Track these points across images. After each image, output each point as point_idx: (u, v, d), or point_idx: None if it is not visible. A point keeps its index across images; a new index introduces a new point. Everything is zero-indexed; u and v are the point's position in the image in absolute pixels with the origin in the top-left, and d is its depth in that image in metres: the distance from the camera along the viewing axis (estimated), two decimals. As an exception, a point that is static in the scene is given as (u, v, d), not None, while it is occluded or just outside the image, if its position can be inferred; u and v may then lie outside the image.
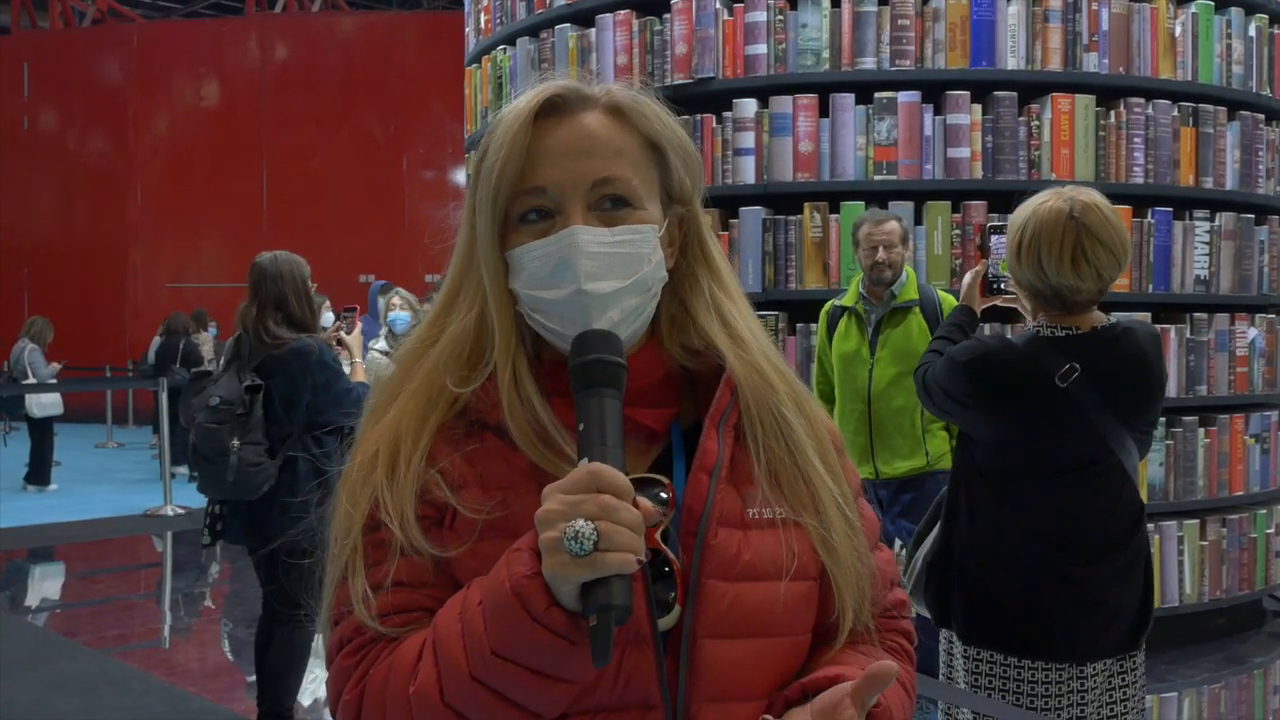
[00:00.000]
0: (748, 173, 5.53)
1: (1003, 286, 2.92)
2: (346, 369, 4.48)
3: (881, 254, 4.59)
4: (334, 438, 4.24)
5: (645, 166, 1.20)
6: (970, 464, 2.67)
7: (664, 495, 1.13)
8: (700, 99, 5.61)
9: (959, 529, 2.67)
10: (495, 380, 1.17)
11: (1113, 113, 5.56)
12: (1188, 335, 5.68)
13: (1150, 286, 5.62)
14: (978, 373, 2.59)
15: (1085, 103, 5.51)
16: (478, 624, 1.03)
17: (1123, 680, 2.63)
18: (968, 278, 3.07)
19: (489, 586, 1.04)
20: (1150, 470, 5.55)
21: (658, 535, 1.11)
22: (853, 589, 1.19)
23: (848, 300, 4.78)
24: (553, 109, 1.18)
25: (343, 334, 4.77)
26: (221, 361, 4.33)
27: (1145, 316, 5.55)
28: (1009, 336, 2.65)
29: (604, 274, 1.14)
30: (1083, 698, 2.58)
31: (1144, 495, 5.47)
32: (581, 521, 0.97)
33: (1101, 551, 2.57)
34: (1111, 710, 2.61)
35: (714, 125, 5.57)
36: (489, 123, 6.44)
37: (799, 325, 5.45)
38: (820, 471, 1.20)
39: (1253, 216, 5.96)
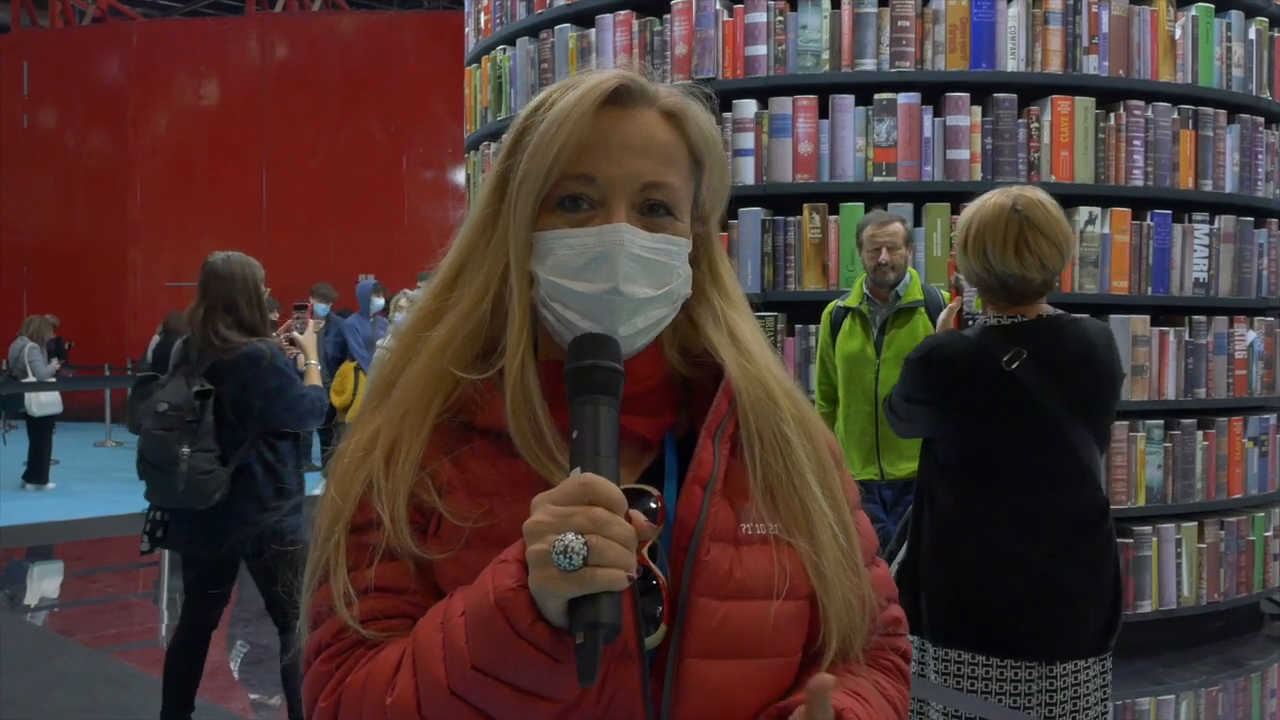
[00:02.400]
0: (747, 173, 5.53)
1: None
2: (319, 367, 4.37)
3: (885, 255, 4.59)
4: (289, 443, 4.15)
5: (688, 178, 1.17)
6: (932, 465, 2.71)
7: (654, 506, 1.09)
8: (700, 100, 5.59)
9: (925, 531, 2.69)
10: (492, 379, 1.13)
11: (1112, 115, 5.56)
12: (1186, 338, 5.68)
13: (1149, 289, 5.61)
14: (930, 364, 2.69)
15: (1085, 105, 5.51)
16: (459, 636, 1.00)
17: (1089, 687, 2.66)
18: (944, 314, 3.14)
19: (473, 598, 1.00)
20: (1148, 472, 5.55)
21: (644, 550, 1.07)
22: (841, 619, 1.15)
23: (851, 301, 4.77)
24: (615, 98, 1.14)
25: (295, 334, 4.58)
26: (171, 364, 4.18)
27: (1144, 318, 5.56)
28: (963, 331, 2.78)
29: (639, 278, 1.11)
30: (1050, 698, 2.59)
31: (1142, 497, 5.51)
32: (571, 535, 0.93)
33: (1067, 543, 2.62)
34: (1075, 715, 2.63)
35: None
36: (489, 122, 6.36)
37: (798, 326, 5.44)
38: (818, 497, 1.16)
39: (1252, 219, 5.96)
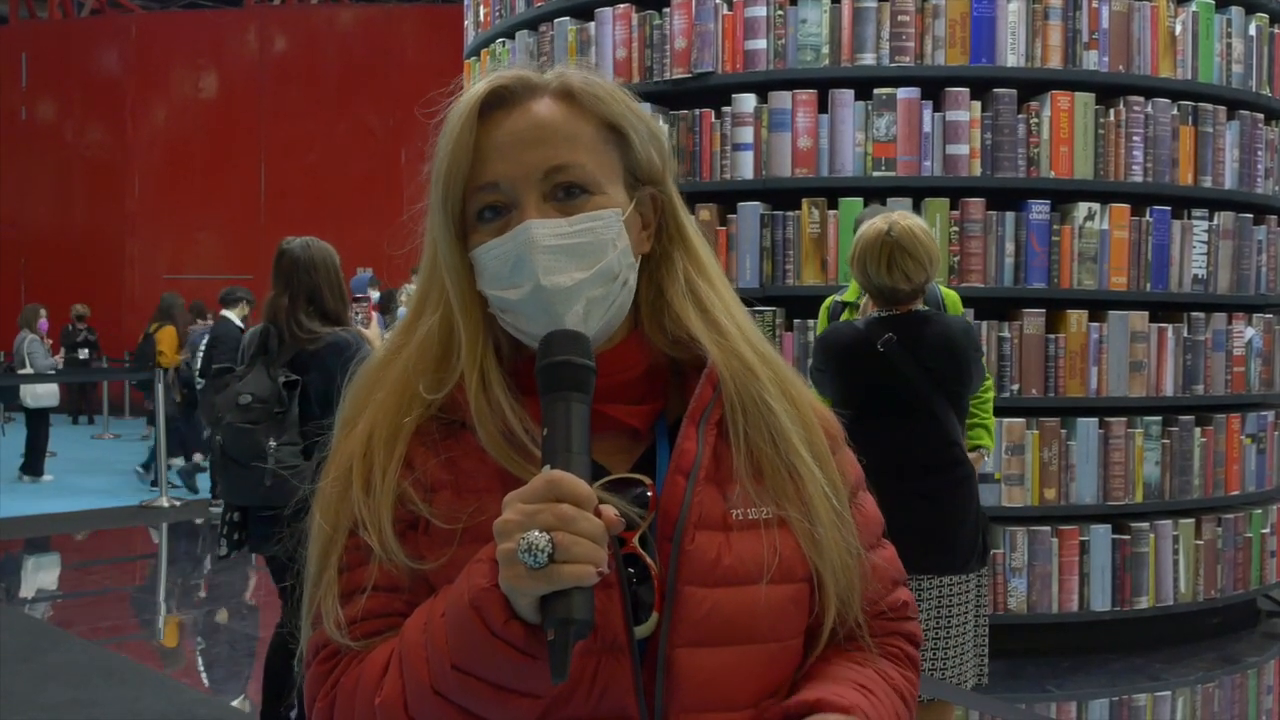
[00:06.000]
0: (746, 168, 5.52)
1: None
2: None
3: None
4: None
5: (603, 150, 1.15)
6: None
7: (648, 495, 1.10)
8: (699, 94, 5.59)
9: None
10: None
11: (1112, 111, 5.56)
12: (1185, 334, 5.68)
13: (1148, 285, 5.61)
14: (825, 345, 3.57)
15: (1085, 101, 5.50)
16: (440, 636, 1.01)
17: (956, 600, 3.35)
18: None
19: (451, 598, 1.01)
20: (1146, 469, 5.55)
21: (635, 539, 1.08)
22: (839, 584, 1.14)
23: (850, 295, 4.76)
24: (499, 101, 1.14)
25: (360, 328, 4.42)
26: (244, 354, 4.04)
27: (1143, 315, 5.56)
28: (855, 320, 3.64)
29: (563, 266, 1.10)
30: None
31: (1139, 494, 5.52)
32: (536, 533, 0.93)
33: (924, 473, 3.38)
34: (938, 624, 3.31)
35: (713, 120, 5.56)
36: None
37: (796, 321, 5.44)
38: (807, 461, 1.15)
39: (1251, 216, 5.96)
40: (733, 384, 1.15)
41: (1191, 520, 5.67)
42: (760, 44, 5.52)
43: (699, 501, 1.11)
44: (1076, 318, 5.47)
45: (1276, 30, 6.19)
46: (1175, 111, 5.68)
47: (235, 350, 8.89)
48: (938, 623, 3.32)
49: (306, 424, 3.81)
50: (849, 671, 1.16)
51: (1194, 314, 5.72)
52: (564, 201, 1.12)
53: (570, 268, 1.10)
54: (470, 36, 7.25)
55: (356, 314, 4.67)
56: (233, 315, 9.42)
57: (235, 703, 5.02)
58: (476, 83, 1.16)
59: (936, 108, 5.47)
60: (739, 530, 1.11)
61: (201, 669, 5.76)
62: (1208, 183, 5.79)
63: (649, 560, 1.08)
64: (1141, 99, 5.60)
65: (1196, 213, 5.76)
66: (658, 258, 1.19)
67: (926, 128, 5.44)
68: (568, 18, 6.01)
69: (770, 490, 1.14)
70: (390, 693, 1.04)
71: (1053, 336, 5.45)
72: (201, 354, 9.41)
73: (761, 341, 1.20)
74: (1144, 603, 5.55)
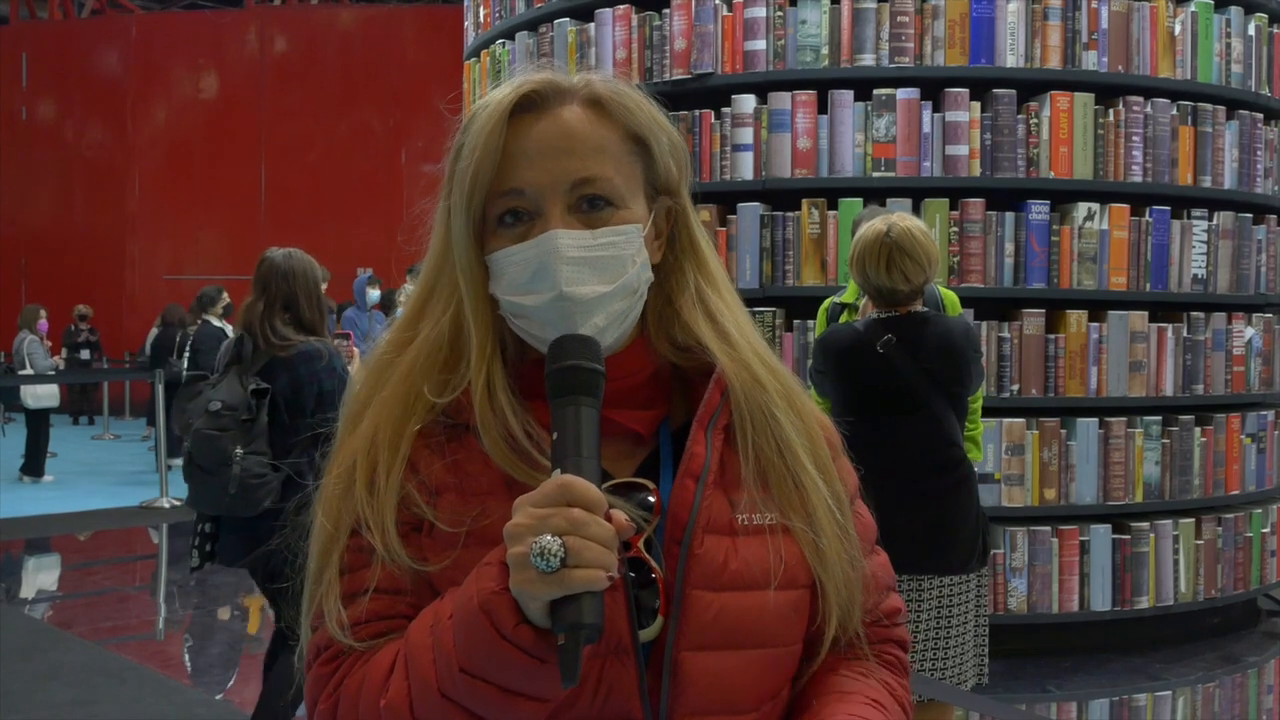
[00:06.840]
0: (746, 169, 5.52)
1: None
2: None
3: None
4: None
5: (628, 161, 1.15)
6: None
7: (650, 500, 1.10)
8: (699, 94, 5.59)
9: None
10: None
11: (1111, 111, 5.56)
12: (1185, 334, 5.68)
13: (1147, 285, 5.61)
14: (825, 346, 3.58)
15: (1084, 101, 5.50)
16: (447, 639, 1.01)
17: (956, 600, 3.36)
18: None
19: (459, 601, 1.01)
20: (1146, 469, 5.55)
21: (640, 543, 1.08)
22: (840, 595, 1.15)
23: (848, 297, 4.77)
24: (529, 105, 1.13)
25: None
26: (219, 363, 4.02)
27: (1142, 315, 5.56)
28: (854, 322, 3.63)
29: (586, 279, 1.10)
30: (918, 608, 3.30)
31: (1139, 494, 5.52)
32: (549, 537, 0.93)
33: (924, 474, 3.41)
34: (938, 624, 3.33)
35: (712, 121, 5.56)
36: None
37: (796, 322, 5.44)
38: (811, 472, 1.16)
39: (1250, 216, 5.96)
40: (741, 394, 1.15)
41: (1191, 520, 5.67)
42: (760, 45, 5.53)
43: (707, 506, 1.11)
44: (1076, 318, 5.47)
45: (1276, 30, 6.20)
46: (1175, 111, 5.68)
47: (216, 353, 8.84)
48: (938, 623, 3.31)
49: (275, 432, 3.78)
50: (859, 685, 1.17)
51: (1194, 314, 5.72)
52: (588, 213, 1.12)
53: (592, 280, 1.10)
54: (470, 37, 7.25)
55: (342, 349, 4.63)
56: (212, 318, 9.37)
57: (235, 703, 5.02)
58: (500, 84, 1.15)
59: (936, 108, 5.48)
60: (745, 535, 1.12)
61: (201, 669, 5.76)
62: (1207, 182, 5.79)
63: (654, 564, 1.08)
64: (1141, 99, 5.60)
65: (1196, 213, 5.76)
66: (668, 267, 1.19)
67: (926, 128, 5.44)
68: (568, 18, 6.01)
69: (775, 499, 1.14)
70: (396, 695, 1.04)
71: (1052, 336, 5.46)
72: (188, 357, 9.33)
73: (768, 353, 1.20)
74: (1144, 602, 5.55)
